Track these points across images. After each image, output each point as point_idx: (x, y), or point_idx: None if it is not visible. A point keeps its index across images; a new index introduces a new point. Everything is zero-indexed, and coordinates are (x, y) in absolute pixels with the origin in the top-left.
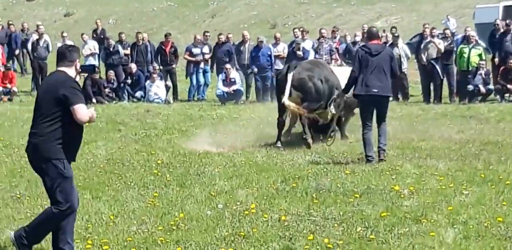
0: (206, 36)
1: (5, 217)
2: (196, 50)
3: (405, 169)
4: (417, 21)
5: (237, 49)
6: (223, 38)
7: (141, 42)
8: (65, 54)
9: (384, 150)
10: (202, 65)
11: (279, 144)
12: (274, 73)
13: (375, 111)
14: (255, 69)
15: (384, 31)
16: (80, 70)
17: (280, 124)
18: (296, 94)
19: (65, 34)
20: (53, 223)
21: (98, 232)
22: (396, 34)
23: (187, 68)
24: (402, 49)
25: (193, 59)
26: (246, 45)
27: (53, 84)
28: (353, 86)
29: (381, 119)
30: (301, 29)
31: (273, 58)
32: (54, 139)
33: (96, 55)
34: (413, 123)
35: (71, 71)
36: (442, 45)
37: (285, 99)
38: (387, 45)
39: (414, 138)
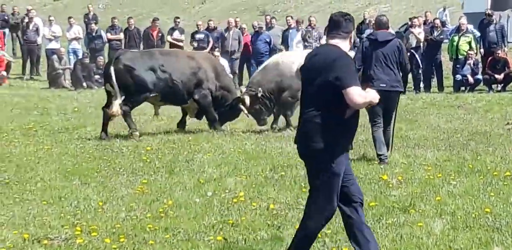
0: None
1: None
2: (199, 36)
3: (393, 158)
4: (406, 10)
5: (222, 35)
6: (212, 24)
7: (132, 27)
8: (340, 24)
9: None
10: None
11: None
12: None
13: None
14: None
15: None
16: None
17: (105, 114)
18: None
19: (52, 18)
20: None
21: (86, 219)
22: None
23: None
24: None
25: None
26: (231, 32)
27: (324, 62)
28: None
29: (387, 122)
30: (294, 18)
31: (272, 44)
32: (328, 127)
33: (79, 40)
34: (401, 112)
35: (345, 45)
36: (422, 34)
37: (116, 102)
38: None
39: (403, 127)
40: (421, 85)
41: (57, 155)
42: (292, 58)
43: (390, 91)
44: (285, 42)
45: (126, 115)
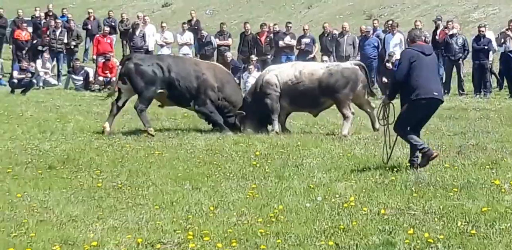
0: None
1: (107, 207)
2: (305, 40)
3: (505, 163)
4: None
5: (336, 41)
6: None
7: (249, 32)
8: None
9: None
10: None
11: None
12: None
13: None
14: None
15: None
16: None
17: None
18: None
19: (164, 24)
20: None
21: (198, 223)
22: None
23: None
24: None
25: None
26: (345, 37)
27: None
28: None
29: (421, 128)
30: (390, 22)
31: (380, 48)
32: None
33: (190, 46)
34: (511, 116)
35: None
36: None
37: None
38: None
39: None
40: None
41: (168, 160)
42: (271, 68)
43: (439, 100)
44: (384, 46)
45: (141, 113)
